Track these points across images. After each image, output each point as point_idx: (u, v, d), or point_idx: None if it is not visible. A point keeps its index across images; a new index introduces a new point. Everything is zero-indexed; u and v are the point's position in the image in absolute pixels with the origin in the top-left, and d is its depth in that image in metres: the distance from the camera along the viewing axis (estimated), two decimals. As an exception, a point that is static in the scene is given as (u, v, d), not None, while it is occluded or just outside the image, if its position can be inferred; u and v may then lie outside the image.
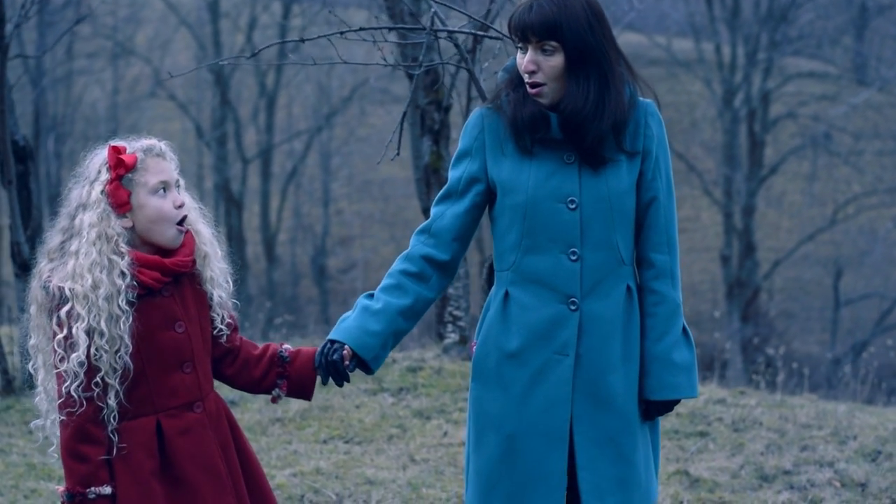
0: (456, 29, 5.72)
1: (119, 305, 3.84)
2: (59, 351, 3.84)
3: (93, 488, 3.86)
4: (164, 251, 3.98)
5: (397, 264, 4.19)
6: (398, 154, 5.44)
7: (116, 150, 3.93)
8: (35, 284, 3.97)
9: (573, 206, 4.05)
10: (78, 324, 3.83)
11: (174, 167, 4.02)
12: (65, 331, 3.84)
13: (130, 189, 3.93)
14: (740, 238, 29.53)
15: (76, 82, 28.86)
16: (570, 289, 4.06)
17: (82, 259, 3.87)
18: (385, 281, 4.18)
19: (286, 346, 4.24)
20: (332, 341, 4.12)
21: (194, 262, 4.02)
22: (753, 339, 28.47)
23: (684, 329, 4.20)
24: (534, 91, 4.04)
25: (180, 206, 3.99)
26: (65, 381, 3.83)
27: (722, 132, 29.76)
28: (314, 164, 32.48)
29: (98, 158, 3.98)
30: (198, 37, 29.97)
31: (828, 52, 33.56)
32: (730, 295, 29.36)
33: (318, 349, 4.16)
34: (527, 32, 4.01)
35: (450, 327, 9.46)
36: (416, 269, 4.17)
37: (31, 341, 4.01)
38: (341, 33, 5.70)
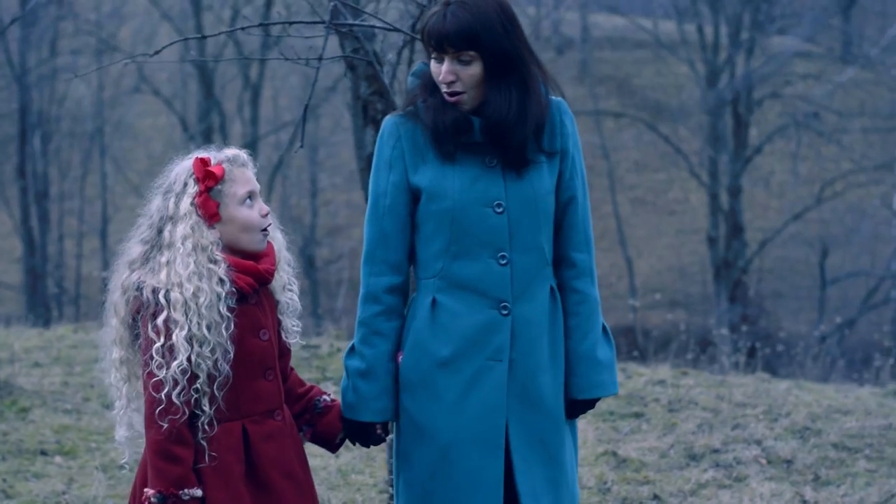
0: (356, 23, 5.77)
1: (220, 312, 3.85)
2: (158, 359, 3.81)
3: (186, 490, 3.85)
4: (252, 257, 3.99)
5: (364, 309, 4.11)
6: (301, 146, 5.48)
7: (203, 162, 3.92)
8: (117, 297, 3.96)
9: (500, 210, 4.04)
10: (177, 331, 3.82)
11: (254, 176, 4.03)
12: (162, 338, 3.82)
13: (219, 200, 3.93)
14: (727, 219, 29.56)
15: (60, 78, 28.87)
16: (501, 293, 4.05)
17: (180, 269, 3.86)
18: (359, 331, 4.12)
19: (326, 396, 4.23)
20: (349, 422, 4.14)
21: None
22: (742, 319, 28.55)
23: (604, 326, 4.24)
24: (453, 100, 4.02)
25: (266, 215, 4.00)
26: (163, 387, 3.80)
27: (706, 113, 29.77)
28: (301, 155, 32.54)
29: (182, 170, 3.96)
30: (181, 31, 29.99)
31: (811, 30, 33.56)
32: (717, 276, 29.41)
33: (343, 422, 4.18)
34: (443, 43, 3.99)
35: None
36: (383, 307, 4.11)
37: (115, 354, 3.99)
38: (242, 29, 5.76)
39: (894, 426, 7.66)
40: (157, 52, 5.40)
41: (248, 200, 3.96)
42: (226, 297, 3.86)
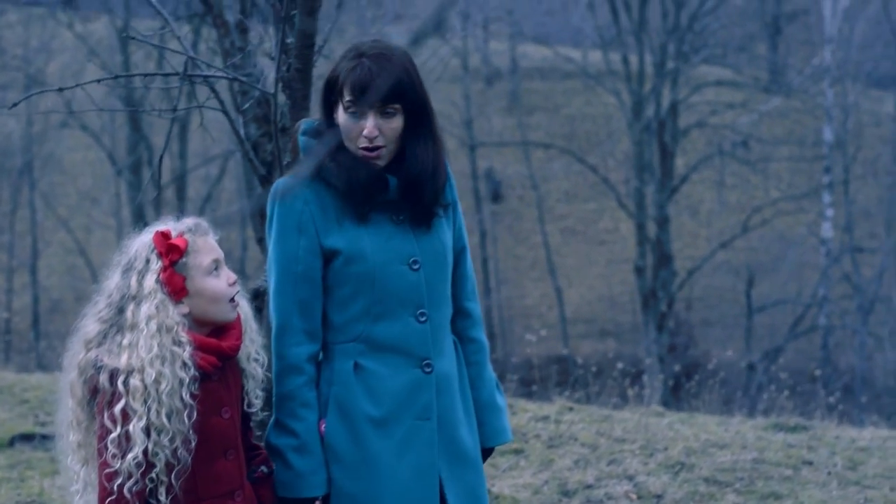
0: (212, 74, 5.86)
1: (182, 399, 3.66)
2: (112, 449, 3.62)
3: None
4: (217, 330, 3.83)
5: (287, 382, 3.93)
6: (159, 192, 5.54)
7: (164, 236, 3.75)
8: (73, 377, 3.75)
9: (416, 267, 3.98)
10: (135, 421, 3.63)
11: (216, 243, 3.86)
12: (119, 428, 3.63)
13: (184, 273, 3.76)
14: (654, 249, 29.78)
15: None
16: (423, 351, 3.98)
17: (142, 352, 3.67)
18: (285, 406, 3.93)
19: (263, 467, 3.99)
20: (286, 501, 3.95)
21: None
22: (670, 348, 28.78)
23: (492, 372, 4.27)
24: (372, 155, 3.93)
25: (233, 283, 3.82)
26: (116, 478, 3.62)
27: (632, 143, 30.05)
28: (231, 189, 32.57)
29: (142, 246, 3.77)
30: (108, 66, 29.97)
31: (736, 60, 33.93)
32: (645, 306, 29.62)
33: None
34: (370, 97, 3.90)
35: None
36: (307, 377, 3.95)
37: (71, 437, 3.78)
38: (98, 81, 5.82)
39: (767, 459, 7.79)
40: (78, 86, 5.45)
41: (214, 270, 3.80)
42: (189, 383, 3.68)
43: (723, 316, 32.91)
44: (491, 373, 4.22)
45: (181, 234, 3.77)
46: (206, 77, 5.85)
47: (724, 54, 32.43)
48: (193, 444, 3.68)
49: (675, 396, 24.10)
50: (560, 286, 32.27)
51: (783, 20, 37.86)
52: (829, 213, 30.77)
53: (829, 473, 7.65)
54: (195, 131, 32.41)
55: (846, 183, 31.13)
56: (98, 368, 3.68)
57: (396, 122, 3.94)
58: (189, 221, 3.83)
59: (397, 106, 3.93)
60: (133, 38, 5.37)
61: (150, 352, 3.66)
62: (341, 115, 3.95)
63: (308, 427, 3.91)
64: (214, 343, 3.78)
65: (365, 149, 3.93)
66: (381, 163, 3.96)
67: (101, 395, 3.68)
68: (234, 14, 9.12)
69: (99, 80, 5.84)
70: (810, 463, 7.83)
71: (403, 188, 3.96)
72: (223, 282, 3.79)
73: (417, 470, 3.98)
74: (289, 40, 5.57)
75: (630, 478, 7.43)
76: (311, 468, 3.91)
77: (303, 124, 4.10)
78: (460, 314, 4.17)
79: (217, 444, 3.79)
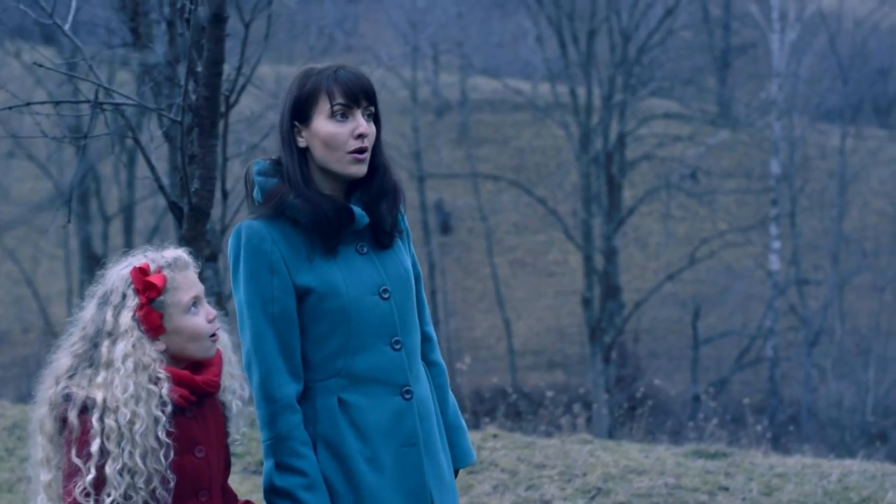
0: (121, 101, 5.91)
1: (158, 438, 3.54)
2: (84, 488, 3.48)
3: None
4: (196, 365, 3.72)
5: (284, 423, 3.85)
6: (69, 222, 5.56)
7: (142, 272, 3.62)
8: (43, 413, 3.61)
9: (386, 296, 3.97)
10: (110, 462, 3.50)
11: (197, 277, 3.75)
12: (93, 470, 3.49)
13: (162, 311, 3.63)
14: (601, 280, 29.93)
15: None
16: (402, 378, 3.98)
17: (118, 392, 3.53)
18: (284, 446, 3.85)
19: None
20: None
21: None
22: (618, 379, 28.90)
23: None
24: (362, 157, 3.91)
25: (213, 320, 3.72)
26: None
27: (579, 175, 30.23)
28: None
29: (119, 279, 3.63)
30: (54, 96, 29.96)
31: (685, 93, 34.20)
32: (592, 337, 29.75)
33: None
34: (359, 96, 3.91)
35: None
36: (300, 414, 3.88)
37: (42, 477, 3.61)
38: (9, 108, 5.87)
39: (683, 485, 7.87)
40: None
41: (193, 307, 3.67)
42: (165, 422, 3.56)
43: (670, 347, 33.08)
44: (451, 395, 4.26)
45: (160, 269, 3.65)
46: (117, 105, 5.90)
47: (672, 87, 32.72)
48: (173, 483, 3.55)
49: (623, 427, 24.14)
50: (508, 318, 32.38)
51: (732, 54, 38.21)
52: (776, 245, 31.03)
53: (744, 499, 7.74)
54: (143, 163, 32.43)
55: (793, 215, 31.41)
56: (66, 397, 3.55)
57: (373, 127, 3.97)
58: (169, 255, 3.70)
59: (373, 109, 3.96)
60: (41, 66, 5.41)
61: (125, 391, 3.53)
62: (325, 126, 3.92)
63: (312, 464, 3.85)
64: (187, 376, 3.65)
65: (356, 150, 3.91)
66: (363, 169, 3.94)
67: (67, 429, 3.54)
68: (162, 44, 9.19)
69: (10, 108, 5.89)
70: (726, 489, 7.92)
71: (368, 205, 3.97)
72: (202, 319, 3.68)
73: (412, 496, 3.98)
74: (198, 69, 5.63)
75: (546, 503, 7.50)
76: (324, 502, 3.85)
77: (255, 165, 4.03)
78: (422, 339, 4.19)
79: (188, 483, 3.65)
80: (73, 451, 3.51)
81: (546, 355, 33.65)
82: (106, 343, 3.59)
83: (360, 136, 3.90)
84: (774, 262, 31.10)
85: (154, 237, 30.81)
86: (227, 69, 10.07)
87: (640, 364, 32.54)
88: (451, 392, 4.25)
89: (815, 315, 30.23)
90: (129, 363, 3.56)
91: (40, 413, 3.61)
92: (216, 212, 10.71)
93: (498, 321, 32.86)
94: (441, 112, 40.22)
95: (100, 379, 3.55)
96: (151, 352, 3.60)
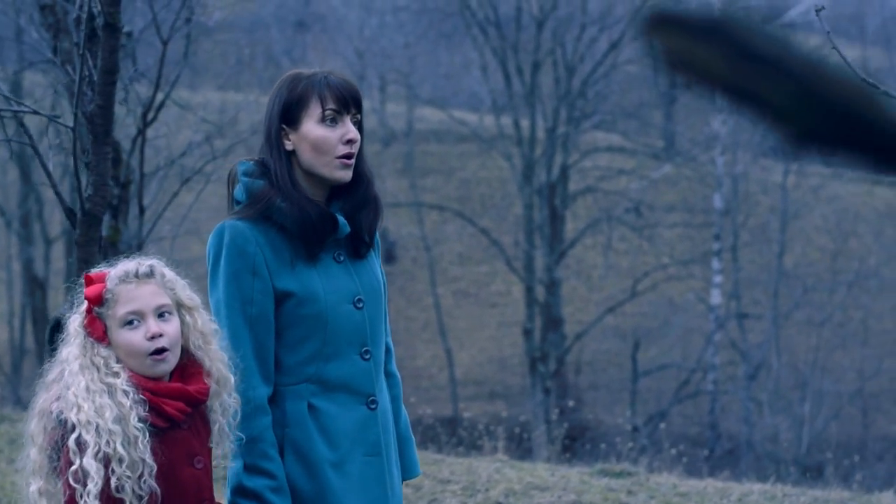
0: (21, 109, 5.99)
1: (133, 426, 3.49)
2: (76, 486, 3.46)
3: None
4: (181, 373, 3.68)
5: (255, 424, 3.87)
6: (48, 245, 5.59)
7: (88, 280, 3.63)
8: (34, 424, 3.61)
9: (360, 305, 4.01)
10: (88, 451, 3.46)
11: (157, 291, 3.64)
12: (77, 462, 3.46)
13: (104, 322, 3.61)
14: (542, 312, 30.04)
15: None
16: (369, 388, 4.03)
17: (74, 388, 3.51)
18: (255, 448, 3.87)
19: None
20: None
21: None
22: (558, 410, 29.00)
23: None
24: (350, 162, 3.95)
25: (153, 337, 3.59)
26: None
27: (522, 207, 30.39)
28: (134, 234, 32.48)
29: (82, 284, 3.67)
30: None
31: (627, 127, 34.46)
32: (533, 368, 29.84)
33: None
34: (349, 103, 3.95)
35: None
36: (269, 417, 3.90)
37: (33, 486, 3.59)
38: None
39: (584, 501, 7.98)
40: None
41: (129, 323, 3.59)
42: (135, 410, 3.50)
43: (611, 380, 33.22)
44: (404, 407, 4.32)
45: (104, 281, 3.60)
46: (15, 112, 5.98)
47: (615, 120, 32.95)
48: (154, 469, 3.50)
49: (561, 458, 24.22)
50: (451, 347, 32.45)
51: (678, 89, 38.51)
52: (718, 279, 31.26)
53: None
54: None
55: (734, 250, 31.67)
56: (57, 417, 3.55)
57: (359, 134, 4.00)
58: (123, 267, 3.64)
59: (359, 117, 4.00)
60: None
61: (80, 386, 3.51)
62: (315, 130, 3.95)
63: (280, 467, 3.88)
64: (179, 388, 3.63)
65: (345, 156, 3.94)
66: (349, 175, 3.97)
67: (55, 430, 3.56)
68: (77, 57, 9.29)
69: None
70: (626, 505, 8.04)
71: (349, 214, 4.00)
72: (139, 335, 3.58)
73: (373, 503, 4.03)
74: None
75: (446, 517, 7.60)
76: None
77: (240, 165, 4.06)
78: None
79: (191, 495, 3.65)
80: (63, 450, 3.52)
81: (488, 385, 33.73)
82: (63, 346, 3.64)
83: (350, 142, 3.93)
84: (716, 297, 31.33)
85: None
86: (146, 87, 10.20)
87: (580, 395, 32.64)
88: (403, 404, 4.31)
89: (755, 349, 30.44)
90: (76, 364, 3.55)
91: (31, 425, 3.61)
92: (133, 226, 10.82)
93: (440, 351, 32.94)
94: (387, 142, 40.37)
95: (64, 377, 3.57)
96: (102, 351, 3.58)
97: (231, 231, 3.90)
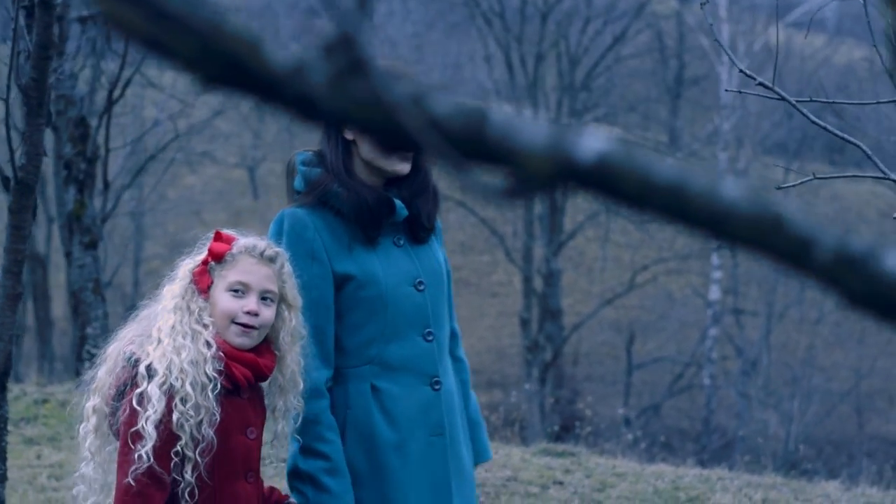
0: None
1: (206, 373, 3.58)
2: (137, 408, 3.53)
3: None
4: (255, 350, 3.76)
5: (312, 406, 3.92)
6: None
7: (217, 236, 3.77)
8: (114, 346, 3.71)
9: (421, 288, 4.06)
10: (156, 380, 3.54)
11: (272, 276, 3.75)
12: (143, 386, 3.54)
13: (213, 279, 3.73)
14: (540, 302, 30.20)
15: None
16: (431, 369, 4.06)
17: (161, 323, 3.62)
18: (312, 430, 3.94)
19: (291, 500, 3.94)
20: None
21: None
22: (553, 400, 29.19)
23: None
24: (408, 154, 3.99)
25: (250, 313, 3.71)
26: (138, 441, 3.51)
27: (522, 198, 30.46)
28: (124, 224, 32.76)
29: (205, 238, 3.81)
30: None
31: (629, 120, 34.59)
32: (529, 358, 30.03)
33: None
34: None
35: (87, 364, 10.02)
36: (327, 400, 3.98)
37: (88, 403, 3.72)
38: None
39: (520, 478, 8.19)
40: None
41: (235, 291, 3.70)
42: (213, 361, 3.61)
43: (607, 372, 33.39)
44: (473, 391, 4.38)
45: (232, 245, 3.74)
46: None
47: (617, 114, 33.08)
48: (217, 418, 3.58)
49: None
50: (449, 336, 32.57)
51: (684, 85, 38.62)
52: (717, 275, 31.39)
53: (575, 492, 8.06)
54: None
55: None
56: (130, 362, 3.62)
57: None
58: (253, 240, 3.78)
59: None
60: None
61: (167, 323, 3.62)
62: None
63: (336, 449, 3.93)
64: (252, 358, 3.72)
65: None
66: (408, 167, 4.06)
67: (127, 359, 3.64)
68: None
69: None
70: (560, 483, 8.24)
71: (407, 200, 4.06)
72: (237, 304, 3.70)
73: (434, 486, 4.06)
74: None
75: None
76: (344, 488, 3.93)
77: (298, 155, 4.13)
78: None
79: (240, 463, 3.71)
80: (132, 375, 3.60)
81: (486, 374, 33.88)
82: (167, 284, 3.75)
83: None
84: (714, 292, 31.46)
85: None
86: (113, 66, 10.44)
87: (576, 387, 32.83)
88: (471, 388, 4.37)
89: (751, 345, 30.59)
90: (172, 303, 3.66)
91: (111, 348, 3.72)
92: (98, 202, 11.05)
93: (438, 339, 33.09)
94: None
95: (148, 311, 3.72)
96: (199, 301, 3.69)
97: (290, 218, 4.00)
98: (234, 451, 3.67)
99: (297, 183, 4.11)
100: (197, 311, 3.66)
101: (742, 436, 28.73)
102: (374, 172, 4.07)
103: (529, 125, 1.11)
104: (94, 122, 9.76)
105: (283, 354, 3.79)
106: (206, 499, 3.62)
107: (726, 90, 8.19)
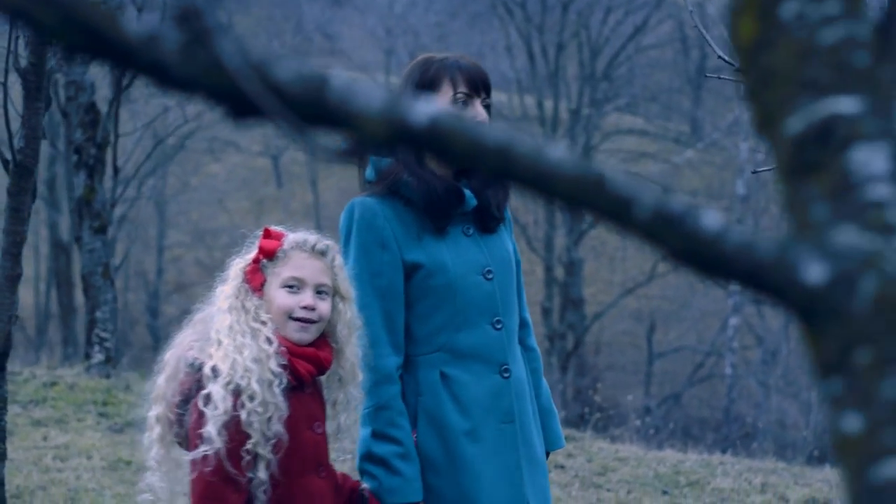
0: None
1: (271, 369, 3.59)
2: (204, 409, 3.53)
3: None
4: (313, 344, 3.77)
5: (384, 392, 3.98)
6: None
7: (267, 233, 3.77)
8: (172, 353, 3.69)
9: (490, 276, 4.08)
10: (220, 380, 3.55)
11: (325, 270, 3.77)
12: (208, 387, 3.54)
13: (266, 276, 3.74)
14: (561, 291, 30.23)
15: None
16: (501, 357, 4.08)
17: (218, 325, 3.64)
18: (383, 415, 3.97)
19: (364, 486, 3.94)
20: None
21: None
22: (575, 388, 29.24)
23: None
24: None
25: (307, 307, 3.72)
26: (209, 443, 3.51)
27: (543, 187, 30.51)
28: (149, 211, 32.94)
29: (255, 237, 3.81)
30: None
31: (650, 111, 34.57)
32: (550, 346, 30.07)
33: None
34: (480, 87, 4.04)
35: (96, 348, 10.13)
36: (398, 386, 4.00)
37: (152, 412, 3.70)
38: None
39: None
40: None
41: (290, 287, 3.72)
42: (276, 356, 3.62)
43: (628, 361, 33.42)
44: (545, 380, 4.39)
45: (282, 241, 3.76)
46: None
47: (637, 103, 33.05)
48: (284, 414, 3.58)
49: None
50: (471, 325, 32.59)
51: (705, 75, 38.50)
52: (739, 264, 31.35)
53: (576, 476, 8.13)
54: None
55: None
56: (193, 367, 3.62)
57: (488, 116, 4.12)
58: (304, 235, 3.79)
59: (489, 101, 4.12)
60: None
61: (223, 323, 3.63)
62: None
63: (407, 435, 3.96)
64: (313, 352, 3.73)
65: None
66: None
67: (190, 364, 3.62)
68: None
69: None
70: (562, 467, 8.31)
71: (476, 189, 4.08)
72: (293, 301, 3.71)
73: (506, 472, 4.08)
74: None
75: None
76: (415, 474, 3.96)
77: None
78: (519, 324, 4.29)
79: (310, 458, 3.72)
80: (197, 378, 3.59)
81: (506, 363, 33.96)
82: (219, 285, 3.75)
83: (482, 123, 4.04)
84: (736, 282, 31.41)
85: (120, 227, 31.16)
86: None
87: (598, 375, 32.84)
88: (543, 377, 4.37)
89: (772, 335, 30.57)
90: (226, 303, 3.67)
91: (170, 354, 3.69)
92: (108, 185, 11.16)
93: (460, 328, 33.14)
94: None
95: (206, 312, 3.71)
96: (254, 300, 3.69)
97: (360, 207, 4.02)
98: (303, 447, 3.68)
99: (368, 173, 4.13)
100: (253, 309, 3.67)
101: (762, 426, 28.73)
102: (444, 162, 4.05)
103: (367, 90, 1.18)
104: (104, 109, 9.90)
105: (342, 347, 3.80)
106: (279, 497, 3.61)
107: (707, 75, 8.19)
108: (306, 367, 3.69)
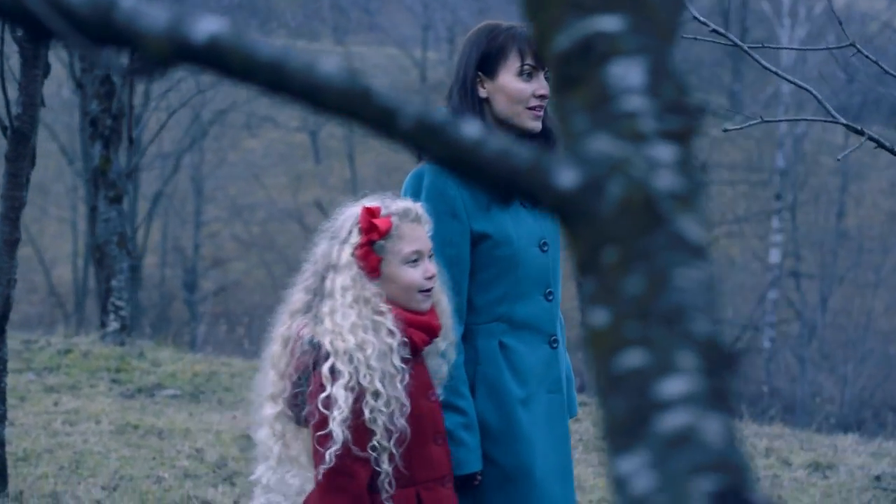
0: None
1: (393, 364, 3.59)
2: (325, 411, 3.52)
3: None
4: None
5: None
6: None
7: (370, 213, 3.70)
8: (276, 349, 3.70)
9: (545, 249, 4.12)
10: (341, 381, 3.53)
11: (427, 234, 3.80)
12: (329, 388, 3.54)
13: (382, 255, 3.70)
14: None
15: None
16: (551, 328, 4.14)
17: (340, 320, 3.60)
18: (447, 385, 3.96)
19: None
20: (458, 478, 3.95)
21: None
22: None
23: None
24: (540, 113, 4.08)
25: (431, 277, 3.75)
26: (330, 444, 3.52)
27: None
28: (186, 187, 33.14)
29: (349, 216, 3.74)
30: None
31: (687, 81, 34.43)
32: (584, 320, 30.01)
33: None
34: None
35: (112, 316, 10.28)
36: (463, 356, 4.01)
37: (269, 411, 3.69)
38: None
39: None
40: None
41: (413, 261, 3.73)
42: (398, 348, 3.63)
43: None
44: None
45: (389, 216, 3.71)
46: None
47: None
48: (408, 408, 3.60)
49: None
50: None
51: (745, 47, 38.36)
52: (778, 238, 31.30)
53: (580, 440, 8.20)
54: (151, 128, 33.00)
55: (793, 209, 31.68)
56: (311, 343, 3.62)
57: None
58: (402, 204, 3.77)
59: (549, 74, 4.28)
60: None
61: (347, 319, 3.59)
62: (513, 82, 4.08)
63: (470, 404, 3.99)
64: (425, 320, 3.74)
65: (535, 107, 4.07)
66: (539, 125, 4.10)
67: (310, 353, 3.62)
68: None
69: None
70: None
71: None
72: (419, 273, 3.72)
73: (556, 440, 4.15)
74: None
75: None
76: (477, 443, 3.99)
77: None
78: None
79: (428, 426, 3.73)
80: (314, 376, 3.58)
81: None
82: (330, 275, 3.67)
83: (542, 97, 4.06)
84: (774, 255, 31.39)
85: (157, 203, 31.38)
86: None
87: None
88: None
89: (810, 309, 30.51)
90: (349, 295, 3.62)
91: (273, 349, 3.70)
92: (123, 157, 11.29)
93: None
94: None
95: (326, 308, 3.64)
96: (371, 287, 3.66)
97: (431, 174, 4.01)
98: (422, 417, 3.70)
99: None
100: (373, 298, 3.65)
101: (797, 398, 28.72)
102: (507, 131, 4.11)
103: (152, 11, 1.26)
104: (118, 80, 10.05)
105: (443, 307, 3.83)
106: (403, 463, 3.60)
107: (750, 46, 8.25)
108: (420, 336, 3.72)
